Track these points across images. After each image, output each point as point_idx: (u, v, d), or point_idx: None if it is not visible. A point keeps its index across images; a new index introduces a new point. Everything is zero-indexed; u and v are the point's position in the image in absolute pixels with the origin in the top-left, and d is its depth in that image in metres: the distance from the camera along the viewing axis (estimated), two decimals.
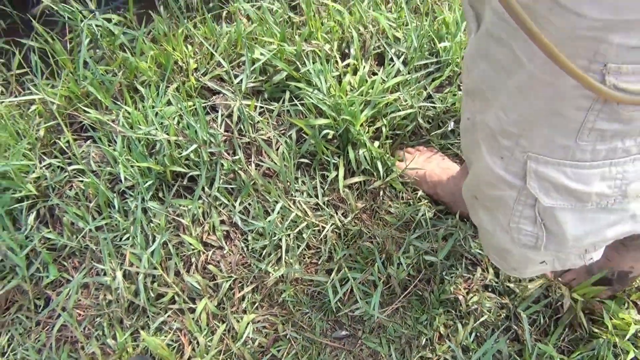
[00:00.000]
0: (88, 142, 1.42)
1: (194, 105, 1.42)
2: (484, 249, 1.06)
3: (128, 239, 1.29)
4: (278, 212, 1.30)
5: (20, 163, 1.33)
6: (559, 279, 1.24)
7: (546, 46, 0.50)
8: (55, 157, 1.41)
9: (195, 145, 1.34)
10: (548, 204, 0.67)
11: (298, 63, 1.47)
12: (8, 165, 1.29)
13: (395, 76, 1.45)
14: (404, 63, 1.49)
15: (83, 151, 1.40)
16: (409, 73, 1.46)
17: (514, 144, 0.66)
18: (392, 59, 1.49)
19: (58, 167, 1.38)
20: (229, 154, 1.39)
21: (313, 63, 1.44)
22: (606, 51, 0.50)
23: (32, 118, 1.46)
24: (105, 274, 1.27)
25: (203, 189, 1.35)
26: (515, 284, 1.25)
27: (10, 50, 1.69)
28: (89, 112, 1.41)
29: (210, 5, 1.73)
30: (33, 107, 1.45)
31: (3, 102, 1.49)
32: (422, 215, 1.32)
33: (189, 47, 1.56)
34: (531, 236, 0.74)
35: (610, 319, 1.18)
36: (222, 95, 1.49)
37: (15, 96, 1.57)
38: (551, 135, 0.61)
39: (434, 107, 1.44)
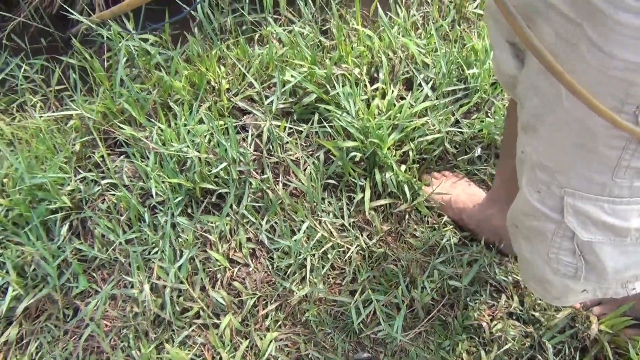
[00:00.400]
0: (122, 157, 1.47)
1: (225, 124, 1.46)
2: (524, 279, 1.05)
3: (157, 252, 1.32)
4: (304, 232, 1.32)
5: (56, 176, 1.37)
6: (588, 310, 1.23)
7: (572, 86, 0.51)
8: (90, 170, 1.45)
9: (224, 164, 1.37)
10: (586, 239, 0.67)
11: (328, 86, 1.50)
12: (45, 178, 1.33)
13: (423, 101, 1.47)
14: (433, 88, 1.51)
15: (116, 166, 1.44)
16: (437, 98, 1.48)
17: (551, 179, 0.66)
18: (420, 84, 1.51)
19: (92, 180, 1.42)
20: (257, 172, 1.41)
21: (342, 86, 1.47)
22: (638, 93, 0.51)
23: (69, 133, 1.51)
24: (133, 287, 1.30)
25: (231, 206, 1.37)
26: (540, 313, 1.24)
27: (49, 67, 1.75)
28: (123, 129, 1.46)
29: (244, 27, 1.78)
30: (71, 123, 1.49)
31: (42, 116, 1.55)
32: (447, 241, 1.32)
33: (222, 67, 1.60)
34: (571, 267, 0.74)
35: (637, 354, 1.16)
36: (252, 115, 1.52)
37: (53, 111, 1.63)
38: (587, 172, 0.62)
39: (461, 133, 1.45)
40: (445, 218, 1.37)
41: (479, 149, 1.44)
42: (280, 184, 1.42)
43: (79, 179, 1.42)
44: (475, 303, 1.26)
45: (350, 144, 1.38)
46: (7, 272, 1.31)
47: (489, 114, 1.48)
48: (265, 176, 1.38)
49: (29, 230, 1.33)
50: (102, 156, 1.46)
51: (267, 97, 1.52)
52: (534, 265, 0.81)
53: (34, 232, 1.33)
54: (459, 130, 1.45)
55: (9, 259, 1.31)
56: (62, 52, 1.94)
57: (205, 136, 1.44)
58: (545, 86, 0.62)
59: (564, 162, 0.64)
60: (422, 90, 1.49)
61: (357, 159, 1.39)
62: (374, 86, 1.52)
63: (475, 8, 1.77)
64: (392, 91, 1.49)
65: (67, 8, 1.74)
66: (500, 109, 1.44)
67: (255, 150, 1.46)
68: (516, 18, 0.52)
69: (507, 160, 1.15)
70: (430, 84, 1.51)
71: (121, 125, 1.48)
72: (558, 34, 0.55)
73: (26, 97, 1.68)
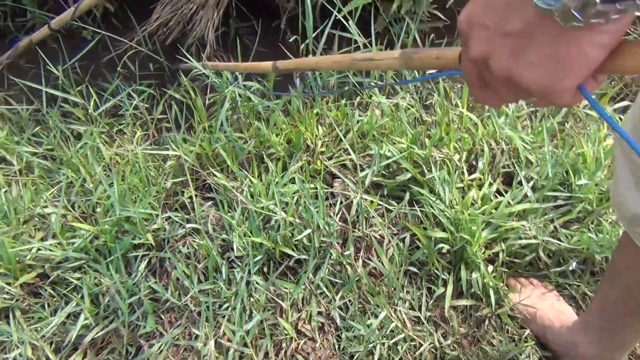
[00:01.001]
0: (209, 203, 1.48)
1: (315, 188, 1.45)
2: None
3: (227, 308, 1.31)
4: (379, 320, 1.27)
5: (146, 212, 1.39)
6: None
7: None
8: (176, 209, 1.47)
9: (309, 231, 1.35)
10: None
11: (424, 167, 1.46)
12: (135, 212, 1.35)
13: (521, 201, 1.41)
14: (533, 189, 1.45)
15: (203, 211, 1.45)
16: (537, 201, 1.41)
17: None
18: (520, 182, 1.45)
19: (177, 222, 1.43)
20: (339, 244, 1.39)
21: (439, 169, 1.43)
22: None
23: (164, 168, 1.54)
24: (198, 339, 1.29)
25: (307, 274, 1.35)
26: None
27: (155, 95, 1.81)
28: (216, 176, 1.47)
29: (346, 88, 1.78)
30: (168, 164, 1.52)
31: (141, 146, 1.59)
32: (526, 358, 1.24)
33: (320, 128, 1.60)
34: None
35: None
36: (342, 181, 1.50)
37: (152, 143, 1.68)
38: None
39: (558, 243, 1.38)
40: (527, 331, 1.29)
41: (575, 263, 1.36)
42: (361, 261, 1.38)
43: (165, 217, 1.44)
44: None
45: (439, 234, 1.33)
46: (82, 297, 1.33)
47: (591, 229, 1.40)
48: (347, 252, 1.35)
49: (110, 261, 1.35)
50: (190, 197, 1.48)
51: (361, 168, 1.50)
52: None
53: (114, 264, 1.35)
54: (556, 240, 1.37)
55: (86, 286, 1.33)
56: (167, 81, 2.01)
57: (294, 197, 1.43)
58: None
59: None
60: (521, 189, 1.43)
61: (443, 250, 1.34)
62: (472, 176, 1.47)
63: (584, 108, 1.70)
64: (490, 184, 1.44)
65: (183, 51, 1.80)
66: (606, 228, 1.36)
67: (340, 220, 1.44)
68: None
69: (609, 289, 1.07)
70: (531, 184, 1.44)
71: (214, 172, 1.50)
72: None
73: (127, 120, 1.74)
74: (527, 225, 1.36)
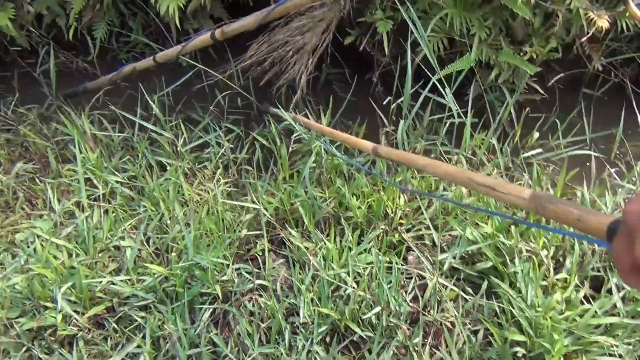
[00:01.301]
0: (281, 261, 1.46)
1: (390, 261, 1.40)
2: None
3: None
4: None
5: (218, 262, 1.39)
6: None
7: None
8: (247, 261, 1.46)
9: (378, 309, 1.31)
10: None
11: (507, 257, 1.39)
12: (208, 261, 1.35)
13: (609, 312, 1.31)
14: (624, 299, 1.34)
15: (274, 267, 1.43)
16: (627, 315, 1.31)
17: None
18: (610, 290, 1.35)
19: (246, 276, 1.42)
20: (408, 327, 1.33)
21: (523, 263, 1.35)
22: None
23: (240, 215, 1.54)
24: None
25: (369, 351, 1.30)
26: None
27: (239, 134, 1.82)
28: (292, 234, 1.45)
29: (432, 156, 1.73)
30: (247, 217, 1.51)
31: (222, 186, 1.60)
32: None
33: (402, 197, 1.56)
34: None
35: None
36: (417, 257, 1.45)
37: (230, 185, 1.68)
38: None
39: None
40: None
41: None
42: (427, 347, 1.32)
43: (235, 268, 1.43)
44: None
45: (516, 336, 1.25)
46: (144, 337, 1.33)
47: None
48: (416, 340, 1.29)
49: (177, 306, 1.35)
50: (262, 250, 1.46)
51: (441, 249, 1.44)
52: None
53: (180, 310, 1.35)
54: None
55: (149, 327, 1.33)
56: (253, 119, 2.02)
57: (367, 269, 1.39)
58: None
59: None
60: (610, 299, 1.33)
61: (519, 354, 1.26)
62: (558, 275, 1.38)
63: None
64: (577, 288, 1.34)
65: (273, 93, 1.81)
66: None
67: (411, 300, 1.38)
68: None
69: None
70: (622, 294, 1.34)
71: (290, 229, 1.48)
72: None
73: (211, 157, 1.75)
74: (614, 343, 1.26)
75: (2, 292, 1.36)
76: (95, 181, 1.62)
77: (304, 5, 1.41)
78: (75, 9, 2.05)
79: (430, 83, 1.58)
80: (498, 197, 0.73)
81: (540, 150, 1.73)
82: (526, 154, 1.72)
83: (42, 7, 2.09)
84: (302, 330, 1.33)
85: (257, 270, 1.43)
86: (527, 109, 1.87)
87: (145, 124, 1.70)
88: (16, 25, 2.05)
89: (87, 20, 2.12)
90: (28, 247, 1.48)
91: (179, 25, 1.95)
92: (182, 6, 1.89)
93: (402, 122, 1.60)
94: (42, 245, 1.42)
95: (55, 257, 1.41)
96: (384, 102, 1.73)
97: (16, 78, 2.20)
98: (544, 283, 1.37)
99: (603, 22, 1.67)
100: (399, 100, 1.68)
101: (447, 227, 1.50)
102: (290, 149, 1.72)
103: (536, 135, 1.80)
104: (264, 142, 1.75)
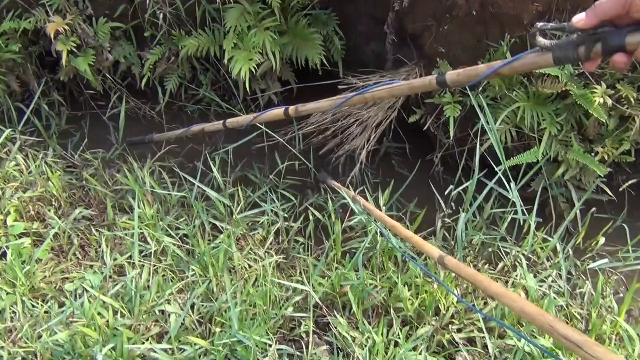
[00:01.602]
0: (325, 347, 1.41)
1: None
2: None
3: None
4: None
5: (260, 340, 1.35)
6: None
7: None
8: (290, 340, 1.42)
9: None
10: None
11: None
12: (251, 341, 1.32)
13: None
14: None
15: (316, 354, 1.39)
16: None
17: None
18: None
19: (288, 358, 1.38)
20: None
21: None
22: None
23: (288, 290, 1.51)
24: None
25: None
26: None
27: (293, 202, 1.81)
28: (339, 322, 1.41)
29: (484, 253, 1.67)
30: (296, 298, 1.48)
31: (272, 257, 1.57)
32: None
33: (457, 290, 1.50)
34: None
35: None
36: None
37: (280, 252, 1.66)
38: None
39: None
40: None
41: None
42: None
43: (277, 349, 1.39)
44: None
45: None
46: None
47: None
48: None
49: None
50: (306, 332, 1.42)
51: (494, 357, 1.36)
52: None
53: None
54: None
55: None
56: (309, 186, 2.01)
57: None
58: None
59: None
60: None
61: None
62: None
63: None
64: None
65: (336, 174, 1.80)
66: None
67: None
68: None
69: None
70: None
71: (336, 313, 1.43)
72: None
73: (264, 224, 1.74)
74: None
75: (45, 344, 1.37)
76: (148, 238, 1.63)
77: (382, 99, 1.41)
78: (150, 60, 2.13)
79: (497, 177, 1.54)
80: (583, 357, 0.67)
81: (606, 260, 1.65)
82: (592, 265, 1.64)
83: (120, 55, 2.17)
84: None
85: (298, 354, 1.39)
86: (593, 208, 1.79)
87: (204, 187, 1.70)
88: (94, 70, 2.13)
89: (161, 71, 2.19)
90: (75, 299, 1.49)
91: (247, 86, 1.98)
92: (253, 69, 1.92)
93: (462, 214, 1.55)
94: (89, 300, 1.42)
95: (100, 314, 1.40)
96: (446, 193, 1.69)
97: (87, 119, 2.27)
98: None
99: None
100: (460, 188, 1.64)
101: (500, 331, 1.43)
102: (344, 223, 1.70)
103: (602, 240, 1.72)
104: (319, 215, 1.73)
